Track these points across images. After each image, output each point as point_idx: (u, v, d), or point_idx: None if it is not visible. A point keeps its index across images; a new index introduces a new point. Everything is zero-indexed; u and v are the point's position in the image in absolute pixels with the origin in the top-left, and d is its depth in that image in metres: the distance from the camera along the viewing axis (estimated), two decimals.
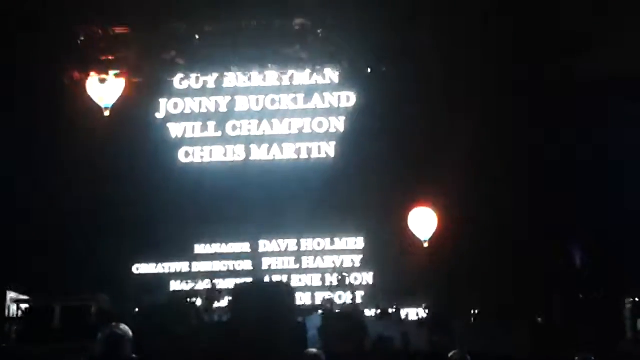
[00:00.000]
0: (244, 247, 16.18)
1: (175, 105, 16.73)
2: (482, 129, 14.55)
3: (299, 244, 16.13)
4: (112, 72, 14.88)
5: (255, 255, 16.14)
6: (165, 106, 16.67)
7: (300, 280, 15.89)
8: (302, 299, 15.65)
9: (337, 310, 12.43)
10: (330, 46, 15.06)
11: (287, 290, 11.20)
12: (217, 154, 16.71)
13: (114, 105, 14.30)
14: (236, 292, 11.03)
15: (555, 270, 13.43)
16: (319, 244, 16.09)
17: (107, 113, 15.49)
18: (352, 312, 12.26)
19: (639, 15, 12.77)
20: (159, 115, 16.45)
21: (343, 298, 13.00)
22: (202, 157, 16.72)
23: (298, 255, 16.08)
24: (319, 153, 16.52)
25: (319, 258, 16.01)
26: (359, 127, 16.17)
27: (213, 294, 13.17)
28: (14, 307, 12.46)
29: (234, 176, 16.11)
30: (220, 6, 14.08)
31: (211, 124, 16.71)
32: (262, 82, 16.51)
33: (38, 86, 14.61)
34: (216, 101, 16.72)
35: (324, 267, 15.91)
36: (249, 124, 16.67)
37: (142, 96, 15.72)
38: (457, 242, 14.25)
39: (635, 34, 13.18)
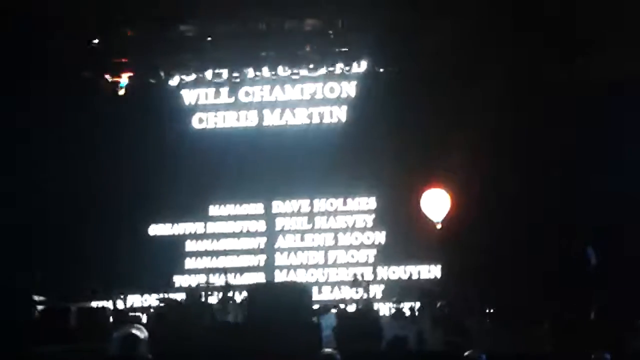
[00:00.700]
0: (258, 208, 16.38)
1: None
2: (498, 110, 14.55)
3: (311, 205, 16.28)
4: (125, 75, 15.37)
5: (268, 216, 16.34)
6: (178, 75, 16.80)
7: (313, 240, 16.14)
8: (316, 257, 16.05)
9: (351, 310, 12.49)
10: (342, 47, 15.37)
11: (302, 290, 11.28)
12: (230, 120, 16.92)
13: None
14: (251, 292, 11.12)
15: (570, 265, 13.19)
16: (331, 205, 16.24)
17: (122, 92, 16.01)
18: (366, 311, 12.26)
19: None
20: (173, 82, 16.61)
21: (357, 297, 12.89)
22: (215, 123, 16.92)
23: (311, 215, 16.24)
24: (331, 118, 16.69)
25: (331, 218, 16.19)
26: (371, 93, 16.27)
27: (227, 294, 13.25)
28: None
29: (247, 141, 16.30)
30: (230, 7, 14.35)
31: (224, 90, 16.88)
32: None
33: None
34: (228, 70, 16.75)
35: (337, 227, 16.12)
36: (262, 90, 16.85)
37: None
38: (470, 225, 14.32)
39: None
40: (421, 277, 15.51)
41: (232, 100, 16.88)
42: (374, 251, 15.89)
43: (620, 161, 14.35)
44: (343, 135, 16.21)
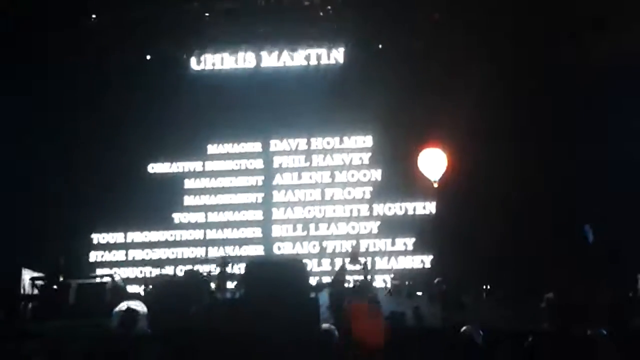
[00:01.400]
0: (256, 146, 16.54)
1: None
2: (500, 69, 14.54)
3: (309, 143, 16.45)
4: None
5: (266, 154, 16.51)
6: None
7: (310, 177, 16.33)
8: (313, 195, 16.27)
9: (349, 286, 12.37)
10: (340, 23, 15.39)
11: (300, 267, 11.00)
12: (228, 62, 17.01)
13: None
14: (248, 269, 10.92)
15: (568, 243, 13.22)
16: (328, 143, 16.40)
17: None
18: (363, 288, 12.14)
19: None
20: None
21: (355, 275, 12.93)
22: (213, 64, 16.99)
23: (308, 153, 16.42)
24: (329, 59, 16.73)
25: (328, 156, 16.36)
26: (368, 36, 16.28)
27: (225, 272, 13.33)
28: (29, 284, 12.56)
29: (246, 82, 16.37)
30: None
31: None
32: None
33: None
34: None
35: (333, 165, 16.31)
36: (260, 31, 16.86)
37: None
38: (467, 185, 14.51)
39: None
40: (416, 213, 15.75)
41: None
42: (370, 188, 16.08)
43: (621, 133, 14.16)
44: (341, 77, 16.25)
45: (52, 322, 10.55)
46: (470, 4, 14.66)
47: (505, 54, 14.64)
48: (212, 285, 12.68)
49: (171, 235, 16.19)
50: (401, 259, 15.46)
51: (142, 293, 13.47)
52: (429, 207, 15.65)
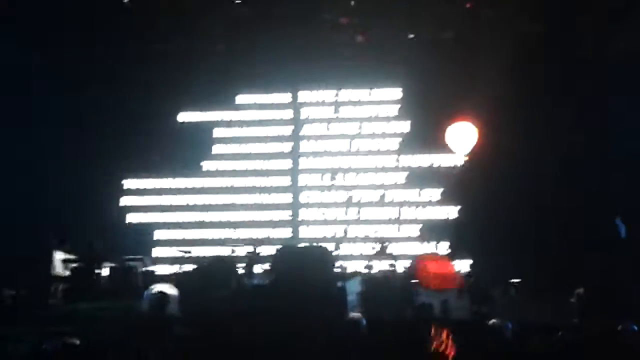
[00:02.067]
0: (285, 97, 16.71)
1: None
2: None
3: (337, 95, 16.59)
4: None
5: (295, 105, 16.68)
6: None
7: (338, 128, 16.46)
8: (340, 145, 16.40)
9: (377, 276, 12.40)
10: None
11: (327, 255, 11.16)
12: None
13: None
14: (276, 256, 11.06)
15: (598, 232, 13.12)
16: (357, 95, 16.52)
17: None
18: (391, 278, 12.10)
19: None
20: None
21: (383, 265, 12.91)
22: None
23: (336, 105, 16.57)
24: None
25: (357, 108, 16.50)
26: None
27: (254, 258, 13.33)
28: (61, 266, 12.64)
29: (276, 33, 16.35)
30: None
31: None
32: None
33: None
34: None
35: (361, 117, 16.46)
36: None
37: None
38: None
39: None
40: (442, 166, 15.91)
41: None
42: (398, 139, 16.23)
43: None
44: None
45: (83, 303, 10.72)
46: None
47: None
48: (240, 270, 12.68)
49: (201, 182, 16.45)
50: (429, 209, 15.72)
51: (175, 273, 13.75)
52: (455, 160, 15.75)
